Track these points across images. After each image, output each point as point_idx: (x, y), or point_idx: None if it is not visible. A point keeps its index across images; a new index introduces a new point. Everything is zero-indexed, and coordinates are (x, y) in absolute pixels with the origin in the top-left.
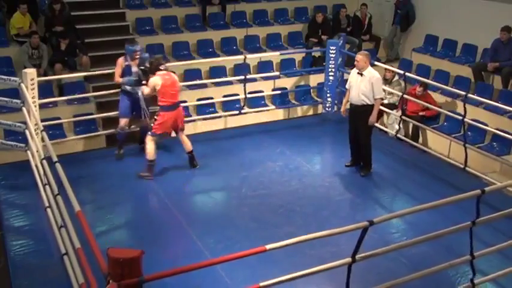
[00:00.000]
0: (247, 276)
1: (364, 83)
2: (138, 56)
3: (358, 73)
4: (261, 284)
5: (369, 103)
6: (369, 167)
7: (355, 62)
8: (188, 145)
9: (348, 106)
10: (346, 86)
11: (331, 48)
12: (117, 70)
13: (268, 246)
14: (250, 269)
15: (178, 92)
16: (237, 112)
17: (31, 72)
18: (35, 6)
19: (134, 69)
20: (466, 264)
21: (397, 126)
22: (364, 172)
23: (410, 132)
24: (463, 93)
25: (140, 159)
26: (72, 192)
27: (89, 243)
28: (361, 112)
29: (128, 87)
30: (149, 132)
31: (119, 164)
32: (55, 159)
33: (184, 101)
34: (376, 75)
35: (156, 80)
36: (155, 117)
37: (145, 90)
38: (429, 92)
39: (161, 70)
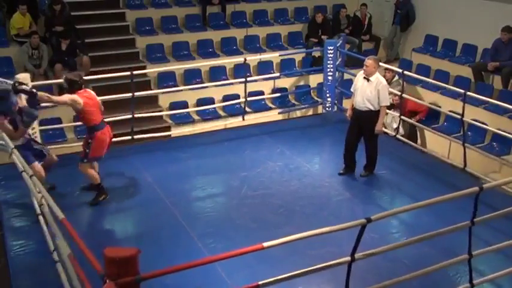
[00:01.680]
0: (246, 276)
1: (370, 89)
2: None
3: (364, 78)
4: (260, 282)
5: (373, 109)
6: (371, 169)
7: (364, 67)
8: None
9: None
10: (351, 89)
11: (329, 48)
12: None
13: (265, 244)
14: (250, 268)
15: (101, 107)
16: (241, 118)
17: (24, 76)
18: (35, 7)
19: (20, 103)
20: (466, 263)
21: (395, 125)
22: (365, 173)
23: (408, 132)
24: (462, 91)
25: (143, 157)
26: (53, 202)
27: (80, 248)
28: (365, 118)
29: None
30: (83, 160)
31: (119, 165)
32: (30, 173)
33: (185, 101)
34: (384, 81)
35: (76, 98)
36: (89, 141)
37: (59, 98)
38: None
39: (80, 89)
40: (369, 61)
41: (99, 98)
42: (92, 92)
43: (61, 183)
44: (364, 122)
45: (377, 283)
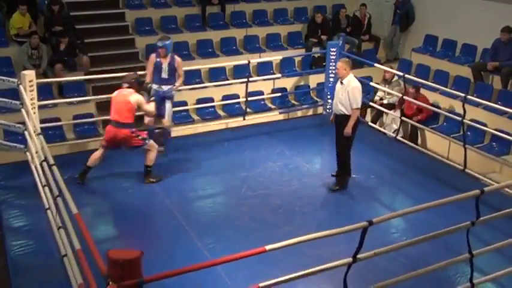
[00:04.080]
0: (247, 276)
1: (342, 91)
2: (164, 53)
3: (340, 81)
4: (261, 284)
5: (347, 113)
6: (341, 182)
7: (336, 70)
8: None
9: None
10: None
11: (332, 49)
12: (149, 67)
13: (267, 247)
14: (250, 269)
15: (124, 111)
16: (241, 118)
17: (30, 73)
18: (35, 7)
19: (164, 65)
20: (466, 263)
21: (395, 126)
22: (335, 187)
23: (409, 132)
24: (463, 94)
25: (143, 157)
26: (69, 195)
27: (88, 245)
28: (340, 122)
29: (154, 86)
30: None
31: (119, 165)
32: (51, 162)
33: (184, 101)
34: (354, 84)
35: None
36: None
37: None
38: (423, 92)
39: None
40: (338, 63)
41: (99, 97)
42: (124, 92)
43: None
44: (339, 126)
45: (376, 282)
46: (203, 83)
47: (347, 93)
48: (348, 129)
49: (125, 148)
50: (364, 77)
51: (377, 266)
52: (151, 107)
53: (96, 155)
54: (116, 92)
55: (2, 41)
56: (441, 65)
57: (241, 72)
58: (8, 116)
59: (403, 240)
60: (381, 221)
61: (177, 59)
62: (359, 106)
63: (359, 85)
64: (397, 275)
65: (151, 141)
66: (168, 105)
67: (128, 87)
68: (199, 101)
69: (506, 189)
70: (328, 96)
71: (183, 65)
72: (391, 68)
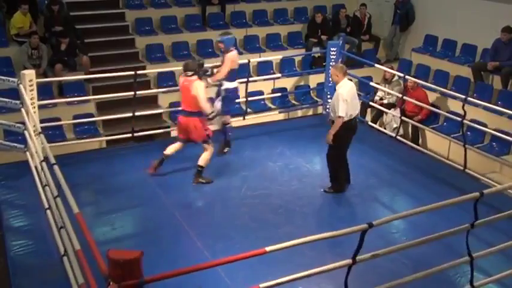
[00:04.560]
0: (247, 277)
1: (332, 97)
2: (223, 48)
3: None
4: (261, 285)
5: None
6: (333, 186)
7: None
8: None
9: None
10: None
11: (332, 49)
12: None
13: (268, 248)
14: (250, 269)
15: (190, 99)
16: (242, 118)
17: (30, 73)
18: (35, 7)
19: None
20: (467, 264)
21: (395, 125)
22: (328, 190)
23: (410, 133)
24: (463, 96)
25: (143, 157)
26: (70, 194)
27: (88, 245)
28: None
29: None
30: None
31: (119, 165)
32: (53, 161)
33: None
34: (340, 90)
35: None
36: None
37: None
38: (422, 88)
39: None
40: (331, 69)
41: (98, 97)
42: (190, 79)
43: None
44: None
45: (376, 283)
46: None
47: (333, 99)
48: (328, 137)
49: (192, 141)
50: (364, 77)
51: (378, 266)
52: (207, 107)
53: (174, 146)
54: (180, 80)
55: (2, 41)
56: (441, 65)
57: (241, 72)
58: (8, 116)
59: (404, 240)
60: (380, 223)
61: (229, 53)
62: (340, 114)
63: (344, 93)
64: (398, 275)
65: (211, 142)
66: (219, 101)
67: (192, 75)
68: None
69: (508, 190)
70: (328, 96)
71: (229, 61)
72: (392, 68)
